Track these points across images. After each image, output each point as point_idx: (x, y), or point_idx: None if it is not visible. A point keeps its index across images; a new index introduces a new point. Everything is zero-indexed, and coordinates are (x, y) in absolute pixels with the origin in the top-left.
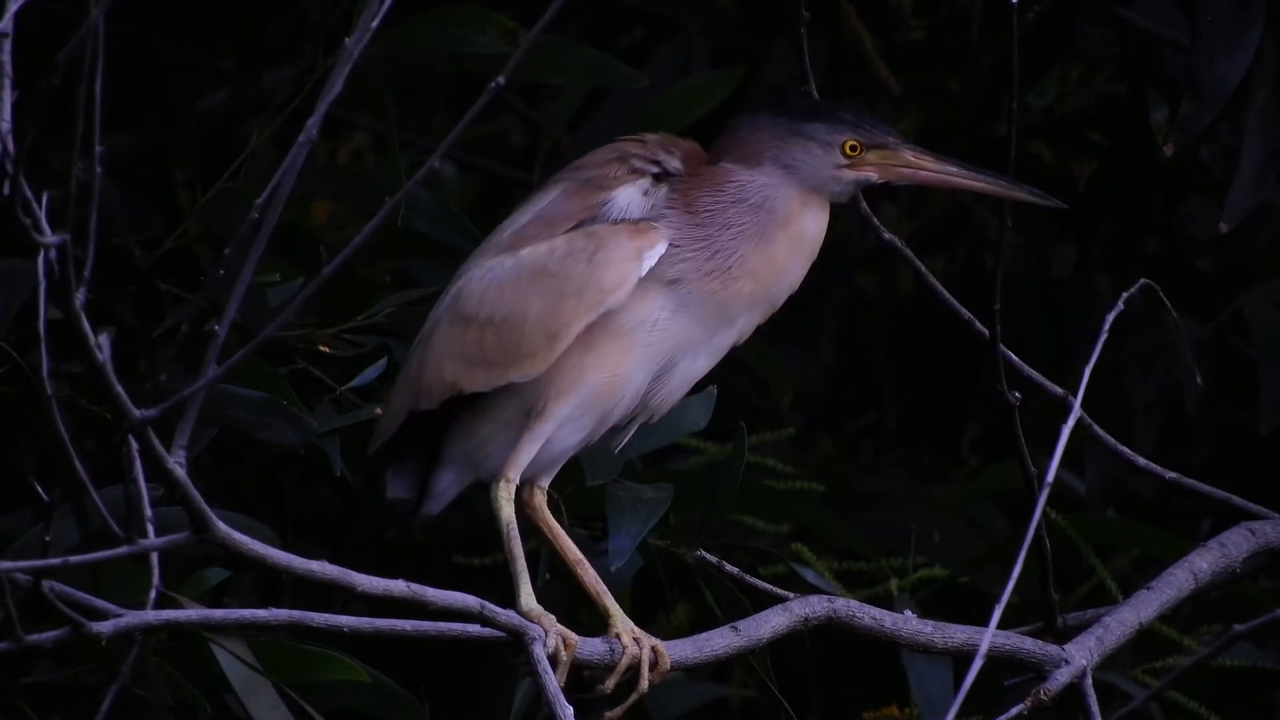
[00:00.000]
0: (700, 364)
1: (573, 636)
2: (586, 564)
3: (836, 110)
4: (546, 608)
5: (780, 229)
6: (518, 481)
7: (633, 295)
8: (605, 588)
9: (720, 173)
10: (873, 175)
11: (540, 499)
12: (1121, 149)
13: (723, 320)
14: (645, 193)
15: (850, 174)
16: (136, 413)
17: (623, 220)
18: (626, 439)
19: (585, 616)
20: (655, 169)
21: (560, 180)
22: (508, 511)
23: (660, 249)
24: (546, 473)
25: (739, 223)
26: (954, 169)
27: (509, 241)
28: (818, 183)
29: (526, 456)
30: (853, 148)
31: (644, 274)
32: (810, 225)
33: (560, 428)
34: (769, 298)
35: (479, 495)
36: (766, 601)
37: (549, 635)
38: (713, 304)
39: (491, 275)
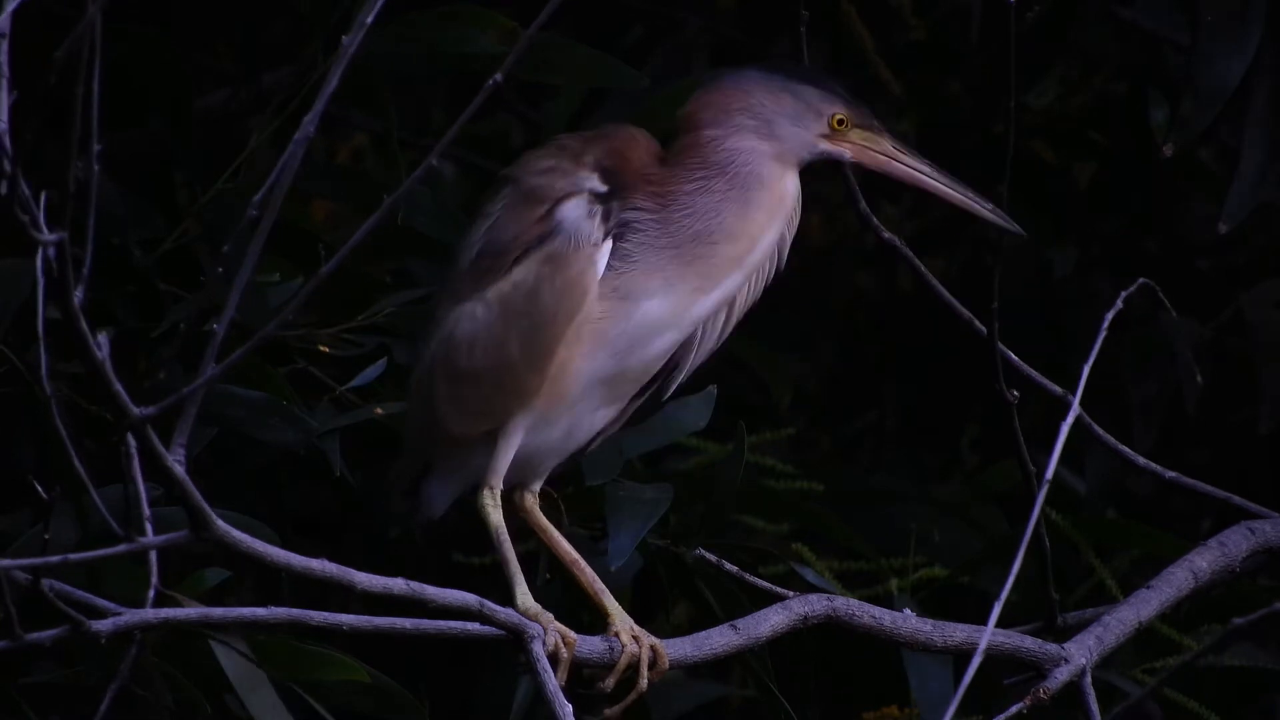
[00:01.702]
0: (670, 338)
1: (571, 634)
2: (583, 564)
3: (830, 80)
4: (546, 607)
5: (762, 192)
6: (501, 486)
7: (598, 295)
8: (603, 587)
9: (703, 141)
10: (846, 153)
11: (531, 502)
12: (1121, 149)
13: (698, 289)
14: (590, 214)
15: (826, 145)
16: (136, 411)
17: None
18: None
19: (585, 615)
20: (587, 182)
21: (504, 185)
22: (495, 516)
23: (607, 246)
24: (536, 476)
25: (722, 189)
26: (927, 170)
27: (470, 279)
28: (796, 146)
29: (504, 461)
30: (840, 121)
31: (600, 272)
32: (789, 188)
33: (530, 433)
34: (750, 263)
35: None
36: (766, 600)
37: (548, 633)
38: (690, 273)
39: (468, 327)
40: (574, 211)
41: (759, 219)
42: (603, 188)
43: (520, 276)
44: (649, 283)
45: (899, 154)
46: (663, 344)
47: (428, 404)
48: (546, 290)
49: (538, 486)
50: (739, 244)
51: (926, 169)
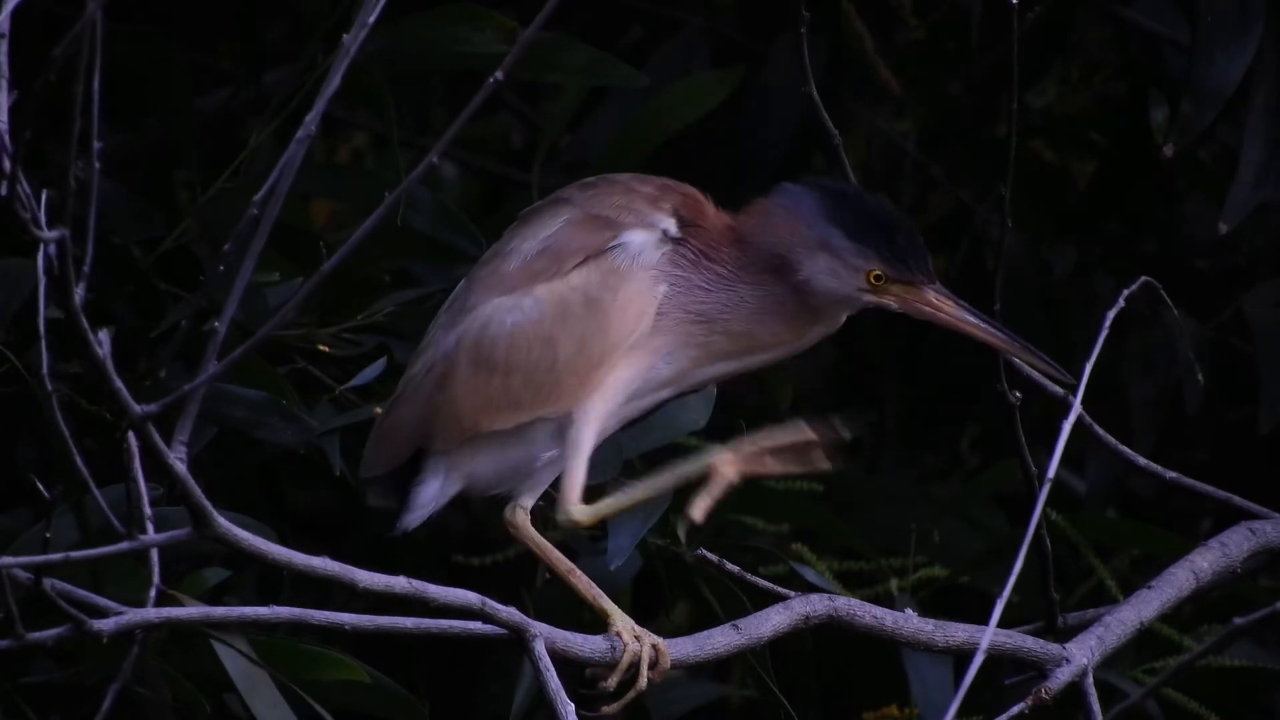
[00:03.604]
0: (669, 392)
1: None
2: (578, 572)
3: (876, 230)
4: (546, 607)
5: (814, 326)
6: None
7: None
8: (600, 591)
9: (746, 248)
10: (893, 304)
11: (523, 518)
12: (1121, 149)
13: (701, 361)
14: (658, 246)
15: (870, 299)
16: (137, 408)
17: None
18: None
19: (587, 615)
20: (663, 223)
21: (565, 206)
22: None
23: (664, 287)
24: (528, 492)
25: (775, 305)
26: (971, 319)
27: (519, 276)
28: (840, 299)
29: (579, 476)
30: (877, 277)
31: (659, 299)
32: (834, 326)
33: (535, 448)
34: (741, 361)
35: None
36: (766, 600)
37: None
38: (707, 354)
39: (514, 318)
40: (641, 238)
41: (793, 339)
42: (677, 233)
43: (580, 281)
44: (665, 341)
45: (943, 303)
46: (663, 395)
47: (442, 388)
48: (608, 301)
49: (529, 503)
50: (767, 351)
51: (971, 318)
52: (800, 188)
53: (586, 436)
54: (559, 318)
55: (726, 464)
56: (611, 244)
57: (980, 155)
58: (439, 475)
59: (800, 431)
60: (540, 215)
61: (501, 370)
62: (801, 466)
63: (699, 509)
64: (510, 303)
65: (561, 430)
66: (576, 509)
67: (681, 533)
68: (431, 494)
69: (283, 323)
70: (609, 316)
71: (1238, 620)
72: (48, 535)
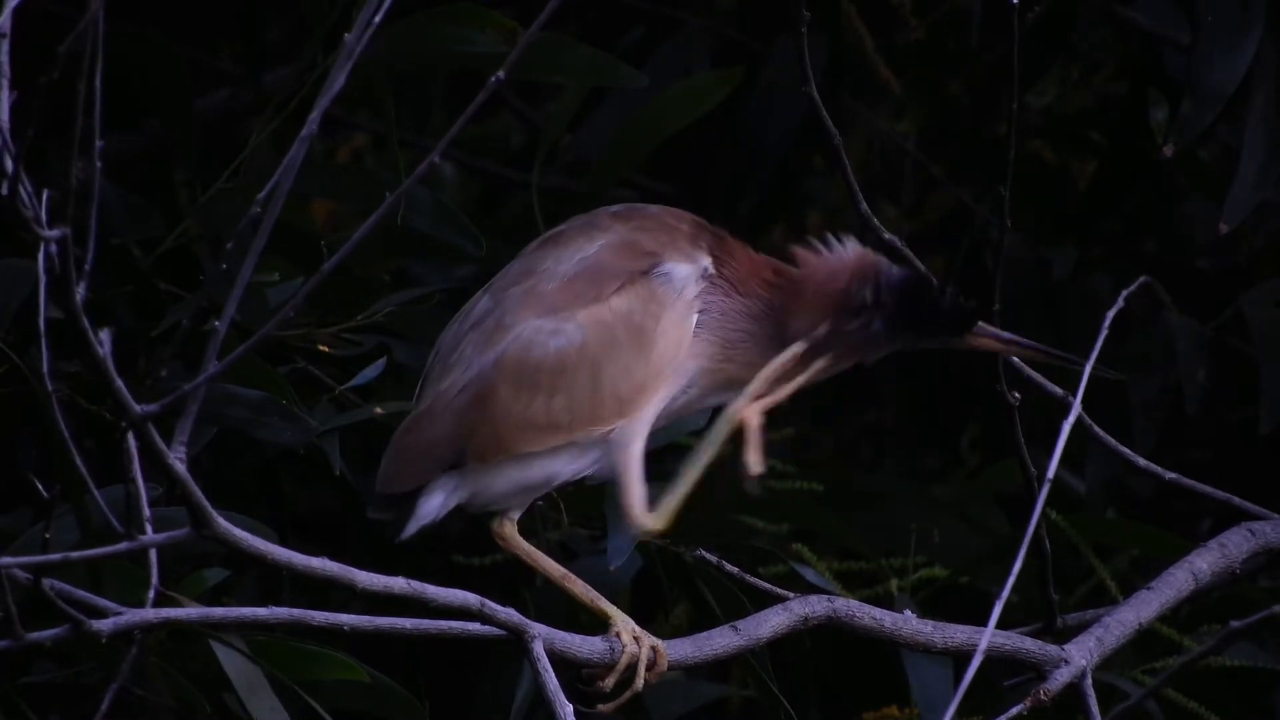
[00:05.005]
0: (675, 416)
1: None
2: (572, 576)
3: (926, 320)
4: (546, 608)
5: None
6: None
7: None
8: (598, 594)
9: (789, 305)
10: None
11: (510, 530)
12: (1121, 149)
13: (702, 393)
14: (696, 281)
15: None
16: (137, 408)
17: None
18: None
19: (584, 616)
20: (702, 259)
21: (598, 231)
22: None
23: (697, 315)
24: (519, 506)
25: (774, 338)
26: (1021, 343)
27: (557, 297)
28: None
29: (636, 483)
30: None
31: (692, 329)
32: (821, 375)
33: (537, 465)
34: (731, 390)
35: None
36: (766, 601)
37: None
38: (707, 376)
39: (557, 342)
40: (685, 270)
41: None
42: (713, 271)
43: (623, 306)
44: (690, 366)
45: (983, 340)
46: (672, 418)
47: (480, 409)
48: (650, 327)
49: (517, 514)
50: (742, 370)
51: (1020, 340)
52: (846, 262)
53: (636, 453)
54: (603, 342)
55: (747, 410)
56: (653, 270)
57: (980, 155)
58: (446, 489)
59: (789, 352)
60: (572, 237)
61: (545, 392)
62: (806, 375)
63: (754, 459)
64: (552, 325)
65: (585, 453)
66: (648, 518)
67: (754, 488)
68: (434, 507)
69: (282, 322)
70: (652, 342)
71: (1234, 623)
72: (47, 535)
